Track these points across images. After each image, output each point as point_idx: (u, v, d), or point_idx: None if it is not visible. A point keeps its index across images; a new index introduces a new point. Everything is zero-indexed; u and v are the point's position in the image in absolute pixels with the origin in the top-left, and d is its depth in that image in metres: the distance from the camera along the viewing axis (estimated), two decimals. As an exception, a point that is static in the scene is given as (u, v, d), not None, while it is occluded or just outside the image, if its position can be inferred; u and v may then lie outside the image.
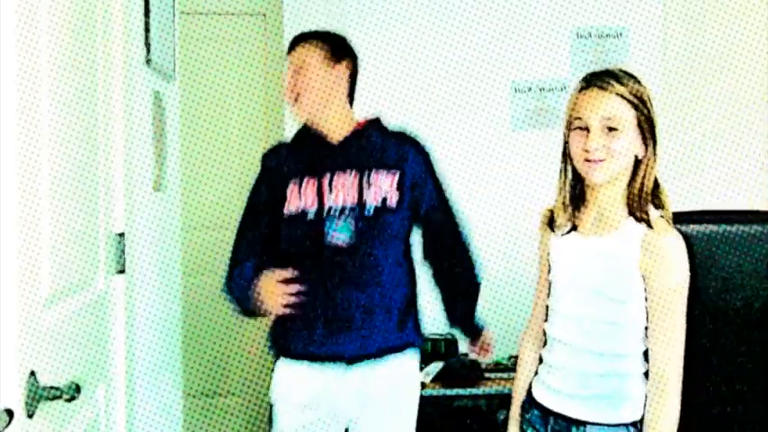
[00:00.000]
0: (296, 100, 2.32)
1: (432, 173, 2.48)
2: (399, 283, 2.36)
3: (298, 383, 2.30)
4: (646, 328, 1.81)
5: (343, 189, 2.28)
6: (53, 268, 1.44)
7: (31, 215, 1.32)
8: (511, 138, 4.03)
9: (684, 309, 1.80)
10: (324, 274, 2.25)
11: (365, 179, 2.29)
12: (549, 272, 1.95)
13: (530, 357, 2.05)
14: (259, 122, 4.25)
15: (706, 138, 4.03)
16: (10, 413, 1.17)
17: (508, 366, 3.79)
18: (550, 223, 1.92)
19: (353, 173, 2.29)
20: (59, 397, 1.36)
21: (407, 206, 2.34)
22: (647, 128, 1.79)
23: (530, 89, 4.02)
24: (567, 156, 1.89)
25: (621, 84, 1.79)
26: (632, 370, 1.82)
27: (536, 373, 2.01)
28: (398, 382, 2.39)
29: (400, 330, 2.36)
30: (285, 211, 2.28)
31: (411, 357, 2.42)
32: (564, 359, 1.88)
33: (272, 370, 2.37)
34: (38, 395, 1.30)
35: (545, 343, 1.98)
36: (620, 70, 1.84)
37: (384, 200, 2.29)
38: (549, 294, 1.94)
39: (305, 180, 2.28)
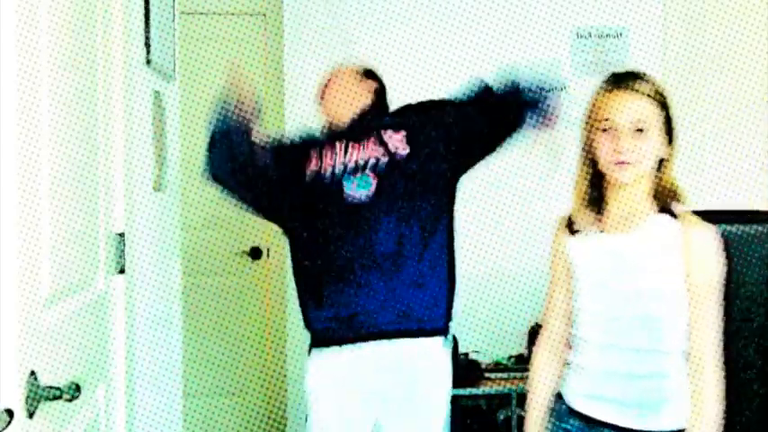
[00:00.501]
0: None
1: (447, 108, 2.62)
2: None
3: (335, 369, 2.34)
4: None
5: (357, 150, 2.38)
6: (53, 268, 1.44)
7: (31, 215, 1.32)
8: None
9: (722, 302, 1.78)
10: (343, 230, 2.32)
11: (377, 138, 2.41)
12: (564, 275, 1.91)
13: (549, 366, 1.95)
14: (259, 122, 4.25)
15: (706, 138, 4.03)
16: (10, 413, 1.17)
17: (508, 366, 3.79)
18: (569, 226, 1.89)
19: (366, 137, 2.41)
20: (59, 397, 1.35)
21: (426, 160, 2.41)
22: (670, 127, 1.82)
23: (530, 89, 4.02)
24: (586, 157, 1.86)
25: (648, 85, 1.82)
26: (674, 370, 1.79)
27: (561, 378, 1.93)
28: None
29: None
30: (306, 177, 2.39)
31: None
32: (599, 361, 1.83)
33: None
34: (38, 395, 1.30)
35: (569, 347, 1.92)
36: (640, 72, 1.86)
37: (395, 152, 2.38)
38: (572, 298, 1.90)
39: (323, 148, 2.40)
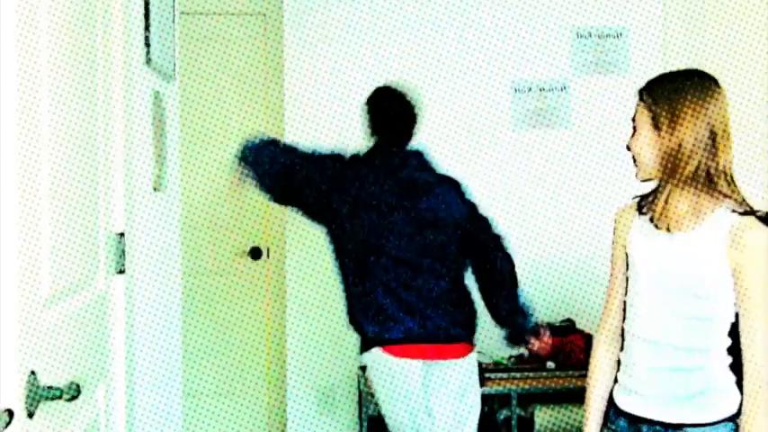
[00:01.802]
0: None
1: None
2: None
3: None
4: (733, 323, 1.80)
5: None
6: (53, 268, 1.44)
7: (31, 215, 1.32)
8: (511, 138, 4.03)
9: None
10: None
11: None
12: (623, 270, 1.92)
13: (608, 359, 1.95)
14: (259, 122, 4.25)
15: (706, 138, 4.03)
16: (10, 413, 1.17)
17: (508, 366, 3.79)
18: (639, 209, 1.90)
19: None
20: (59, 397, 1.35)
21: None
22: (667, 115, 1.78)
23: (530, 89, 4.02)
24: None
25: (636, 85, 1.91)
26: (717, 363, 1.81)
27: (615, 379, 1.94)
28: None
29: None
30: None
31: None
32: (648, 358, 1.84)
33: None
34: (38, 395, 1.30)
35: (622, 344, 1.93)
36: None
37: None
38: (626, 291, 1.91)
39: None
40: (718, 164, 1.77)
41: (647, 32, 4.04)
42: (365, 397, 3.63)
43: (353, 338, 4.23)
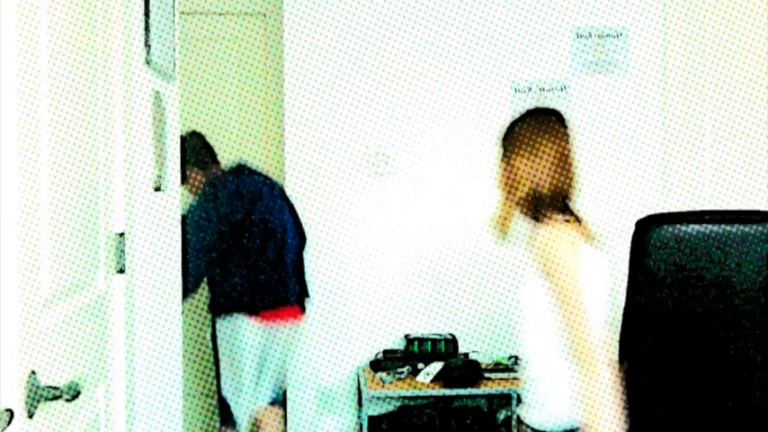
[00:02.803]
0: None
1: None
2: None
3: None
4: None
5: None
6: (53, 268, 1.44)
7: (30, 215, 1.32)
8: (511, 138, 4.02)
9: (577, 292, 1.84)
10: None
11: None
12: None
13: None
14: (259, 122, 4.25)
15: (706, 138, 4.03)
16: (10, 413, 1.17)
17: (508, 366, 3.80)
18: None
19: None
20: (59, 397, 1.36)
21: None
22: (508, 147, 2.02)
23: (530, 89, 4.02)
24: None
25: None
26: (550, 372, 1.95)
27: None
28: None
29: None
30: None
31: None
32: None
33: None
34: (38, 395, 1.30)
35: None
36: None
37: None
38: None
39: None
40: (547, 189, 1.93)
41: (647, 32, 4.04)
42: (366, 397, 3.63)
43: (354, 338, 4.23)
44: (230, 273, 3.38)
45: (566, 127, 1.97)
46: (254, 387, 3.45)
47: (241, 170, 3.50)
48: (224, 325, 3.44)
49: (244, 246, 3.35)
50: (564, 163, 1.94)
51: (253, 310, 3.39)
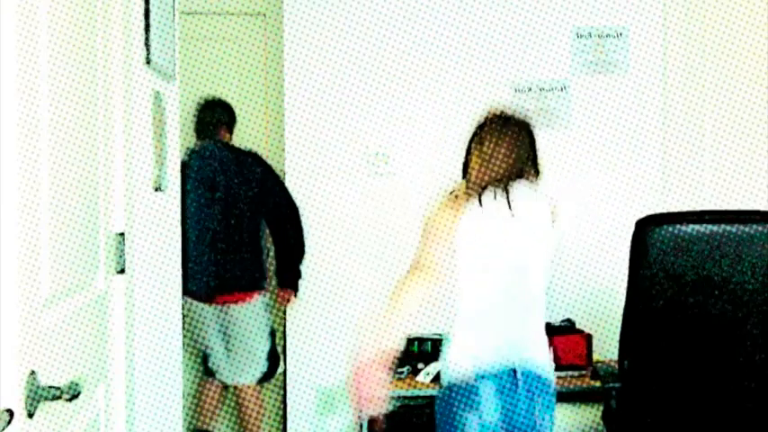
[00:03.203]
0: None
1: None
2: None
3: None
4: None
5: None
6: (53, 268, 1.44)
7: (30, 215, 1.32)
8: (511, 138, 4.02)
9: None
10: None
11: None
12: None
13: None
14: (259, 122, 4.25)
15: (706, 138, 4.03)
16: (10, 413, 1.17)
17: (508, 366, 3.79)
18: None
19: None
20: (59, 397, 1.36)
21: None
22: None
23: (530, 89, 4.02)
24: None
25: None
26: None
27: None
28: None
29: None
30: None
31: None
32: None
33: None
34: (38, 395, 1.30)
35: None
36: None
37: None
38: None
39: None
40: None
41: (647, 32, 4.04)
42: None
43: (354, 338, 4.24)
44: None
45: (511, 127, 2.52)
46: (228, 365, 3.82)
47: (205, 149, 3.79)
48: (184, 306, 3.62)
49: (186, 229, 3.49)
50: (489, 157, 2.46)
51: (195, 295, 3.71)
